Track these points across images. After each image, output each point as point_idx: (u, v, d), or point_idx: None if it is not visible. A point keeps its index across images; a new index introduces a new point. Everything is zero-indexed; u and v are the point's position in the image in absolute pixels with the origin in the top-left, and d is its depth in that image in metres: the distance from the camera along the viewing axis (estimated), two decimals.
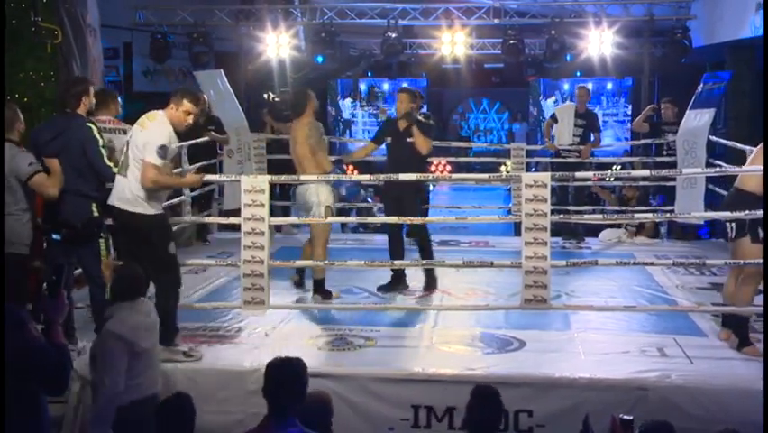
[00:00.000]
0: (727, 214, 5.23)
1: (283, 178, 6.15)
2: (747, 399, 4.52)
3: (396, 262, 6.39)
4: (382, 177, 6.38)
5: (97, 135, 5.16)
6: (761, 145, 5.35)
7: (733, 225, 5.26)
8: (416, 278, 6.93)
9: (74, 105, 5.19)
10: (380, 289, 6.63)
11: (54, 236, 4.13)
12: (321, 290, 6.32)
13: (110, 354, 3.94)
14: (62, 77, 6.87)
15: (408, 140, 6.69)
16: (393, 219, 6.30)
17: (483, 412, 3.55)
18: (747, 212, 5.08)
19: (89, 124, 5.16)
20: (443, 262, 6.61)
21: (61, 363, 2.97)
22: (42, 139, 5.15)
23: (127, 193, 4.90)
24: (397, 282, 6.65)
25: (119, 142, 5.42)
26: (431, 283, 6.68)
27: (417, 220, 6.27)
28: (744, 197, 5.24)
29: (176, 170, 5.22)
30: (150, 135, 4.90)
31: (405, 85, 7.09)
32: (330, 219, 6.56)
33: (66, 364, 3.03)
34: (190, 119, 5.09)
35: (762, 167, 5.07)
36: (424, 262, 6.57)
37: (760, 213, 4.99)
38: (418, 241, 6.78)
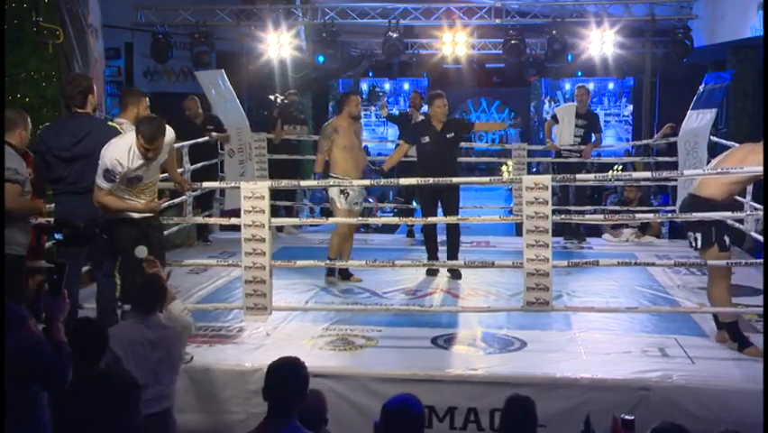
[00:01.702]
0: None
1: (283, 183, 6.17)
2: (749, 399, 4.52)
3: (397, 262, 6.40)
4: (383, 181, 6.60)
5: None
6: (732, 151, 5.34)
7: (697, 235, 5.17)
8: (416, 278, 6.95)
9: (80, 103, 5.15)
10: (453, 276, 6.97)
11: (57, 236, 4.11)
12: (333, 273, 6.86)
13: None
14: (64, 77, 6.87)
15: (448, 136, 7.15)
16: (387, 220, 6.32)
17: (517, 422, 3.47)
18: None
19: (112, 125, 5.15)
20: (444, 262, 6.61)
21: (61, 361, 2.98)
22: (63, 144, 5.08)
23: None
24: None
25: None
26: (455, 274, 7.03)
27: (418, 221, 6.32)
28: (702, 203, 5.17)
29: (179, 170, 5.20)
30: (104, 155, 4.85)
31: (439, 91, 7.39)
32: (332, 220, 6.65)
33: (66, 362, 3.03)
34: (143, 152, 4.89)
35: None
36: (424, 263, 6.64)
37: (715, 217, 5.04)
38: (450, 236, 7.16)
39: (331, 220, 6.76)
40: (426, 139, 7.17)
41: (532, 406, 3.49)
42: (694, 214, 5.16)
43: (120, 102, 5.62)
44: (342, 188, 6.70)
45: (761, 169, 4.90)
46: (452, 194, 7.10)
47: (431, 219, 6.89)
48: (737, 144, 8.10)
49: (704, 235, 5.14)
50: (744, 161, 5.09)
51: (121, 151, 4.83)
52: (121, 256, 5.16)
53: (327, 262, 6.69)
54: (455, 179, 6.39)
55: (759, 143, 5.11)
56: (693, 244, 5.26)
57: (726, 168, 5.16)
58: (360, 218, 7.25)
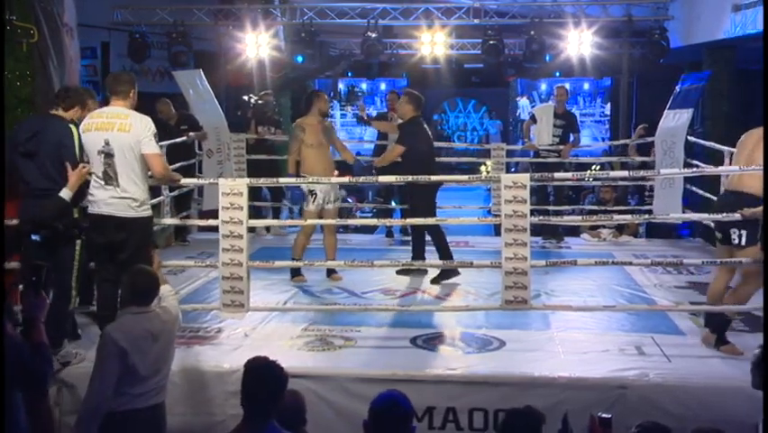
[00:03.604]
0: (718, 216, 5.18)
1: (261, 180, 6.15)
2: (724, 396, 4.58)
3: (373, 262, 6.39)
4: (361, 179, 6.50)
5: (76, 138, 5.01)
6: (749, 141, 5.24)
7: (742, 232, 5.05)
8: (395, 278, 6.95)
9: (62, 108, 5.10)
10: (436, 279, 6.84)
11: (33, 237, 4.05)
12: (299, 272, 6.92)
13: (102, 358, 3.83)
14: (39, 77, 6.79)
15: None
16: (372, 221, 6.32)
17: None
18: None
19: (70, 125, 5.08)
20: (423, 262, 6.62)
21: (41, 363, 2.94)
22: (19, 138, 5.00)
23: (126, 200, 4.89)
24: (450, 271, 6.84)
25: None
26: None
27: (397, 221, 6.31)
28: (746, 200, 5.04)
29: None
30: (140, 122, 4.90)
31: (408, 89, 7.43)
32: (311, 221, 6.65)
33: (44, 364, 3.00)
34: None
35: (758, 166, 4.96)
36: (403, 262, 6.63)
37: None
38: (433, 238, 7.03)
39: (310, 222, 6.74)
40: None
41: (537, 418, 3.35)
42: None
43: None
44: (309, 188, 6.76)
45: None
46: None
47: (410, 220, 6.88)
48: (715, 144, 8.24)
49: (750, 233, 5.03)
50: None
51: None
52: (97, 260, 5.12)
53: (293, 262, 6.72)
54: (434, 177, 6.40)
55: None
56: (737, 241, 5.10)
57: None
58: (338, 219, 7.25)
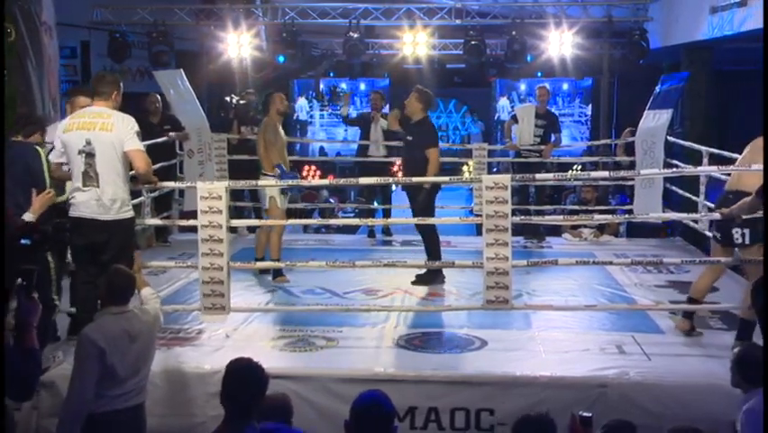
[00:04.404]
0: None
1: (240, 183, 6.12)
2: (703, 393, 4.62)
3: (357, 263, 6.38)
4: (342, 181, 6.59)
5: (44, 160, 4.92)
6: (756, 144, 5.24)
7: (745, 231, 5.05)
8: (376, 279, 6.94)
9: (22, 135, 5.04)
10: (418, 281, 6.76)
11: (23, 241, 3.98)
12: (281, 272, 6.88)
13: (81, 359, 3.81)
14: (17, 76, 6.73)
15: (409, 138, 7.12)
16: (355, 221, 6.31)
17: None
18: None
19: (36, 147, 4.99)
20: (405, 262, 6.61)
21: (30, 369, 2.91)
22: None
23: (106, 201, 4.82)
24: (434, 276, 6.78)
25: None
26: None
27: (379, 221, 6.31)
28: (743, 198, 5.00)
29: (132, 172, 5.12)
30: (123, 121, 4.84)
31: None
32: (292, 221, 6.63)
33: (33, 369, 2.97)
34: None
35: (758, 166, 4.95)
36: (384, 263, 6.61)
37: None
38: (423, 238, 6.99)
39: (291, 221, 6.74)
40: (410, 138, 7.18)
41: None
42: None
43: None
44: (273, 194, 6.78)
45: None
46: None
47: (391, 220, 6.89)
48: (694, 145, 8.32)
49: (753, 231, 5.03)
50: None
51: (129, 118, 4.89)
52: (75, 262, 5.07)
53: (265, 262, 6.74)
54: (415, 179, 6.40)
55: None
56: (740, 241, 5.11)
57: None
58: (322, 219, 7.24)
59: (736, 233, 5.13)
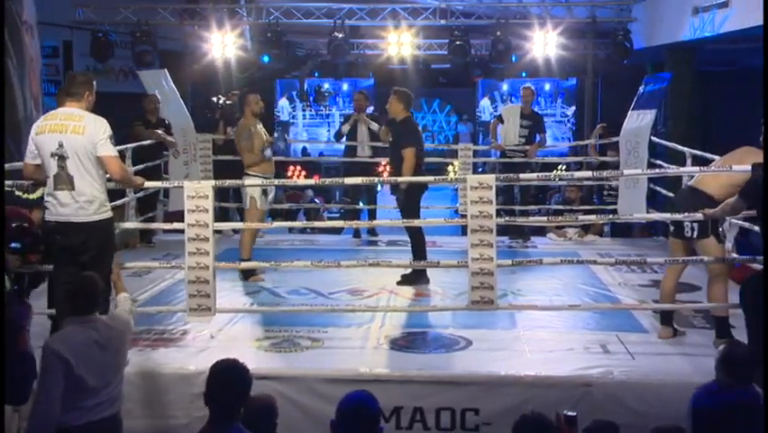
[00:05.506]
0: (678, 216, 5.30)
1: (227, 183, 6.09)
2: (688, 392, 4.60)
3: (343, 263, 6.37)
4: (328, 181, 6.62)
5: None
6: (735, 153, 5.35)
7: (695, 225, 5.25)
8: (362, 279, 6.93)
9: None
10: (403, 281, 6.77)
11: (13, 245, 3.93)
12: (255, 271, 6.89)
13: (45, 371, 3.59)
14: None
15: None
16: (339, 223, 6.31)
17: None
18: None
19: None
20: (390, 262, 6.61)
21: (23, 373, 2.89)
22: None
23: (82, 203, 4.75)
24: (419, 276, 6.79)
25: None
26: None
27: (364, 224, 6.31)
28: (700, 197, 5.25)
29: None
30: (95, 124, 4.75)
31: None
32: (277, 224, 6.61)
33: (28, 373, 2.94)
34: None
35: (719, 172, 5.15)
36: (369, 263, 6.60)
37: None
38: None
39: (276, 224, 6.74)
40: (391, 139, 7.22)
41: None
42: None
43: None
44: (264, 188, 6.80)
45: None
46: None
47: (376, 222, 6.89)
48: (677, 145, 8.37)
49: (701, 225, 5.22)
50: (741, 163, 5.11)
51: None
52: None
53: (240, 262, 6.70)
54: (400, 179, 6.40)
55: (759, 150, 5.09)
56: (689, 234, 5.31)
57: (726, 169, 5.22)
58: (307, 222, 7.23)
59: (687, 226, 5.32)
